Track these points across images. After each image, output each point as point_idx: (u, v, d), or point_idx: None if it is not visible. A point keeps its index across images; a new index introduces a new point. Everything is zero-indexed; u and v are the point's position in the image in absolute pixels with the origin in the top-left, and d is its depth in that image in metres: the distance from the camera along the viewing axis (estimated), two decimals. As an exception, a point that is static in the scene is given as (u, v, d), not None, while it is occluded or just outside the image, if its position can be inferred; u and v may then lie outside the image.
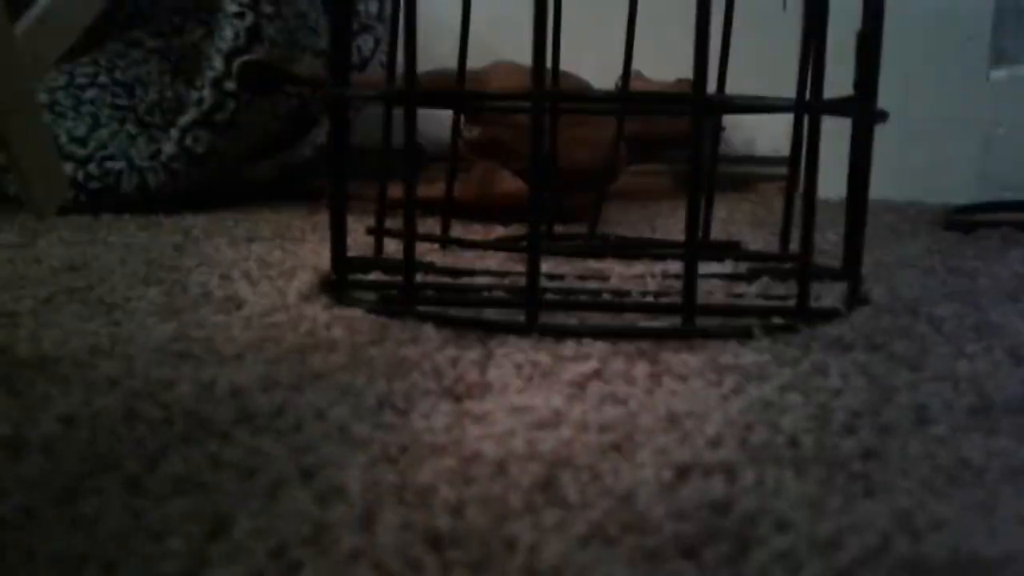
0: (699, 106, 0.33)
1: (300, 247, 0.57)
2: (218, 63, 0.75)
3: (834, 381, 0.29)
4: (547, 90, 0.33)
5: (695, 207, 0.33)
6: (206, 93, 0.75)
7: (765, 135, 1.14)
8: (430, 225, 0.60)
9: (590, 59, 0.74)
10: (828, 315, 0.38)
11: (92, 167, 0.73)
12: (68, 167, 0.73)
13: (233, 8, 0.75)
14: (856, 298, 0.41)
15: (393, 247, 0.55)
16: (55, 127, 0.75)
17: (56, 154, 0.27)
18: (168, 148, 0.75)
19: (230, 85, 0.75)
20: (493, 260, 0.54)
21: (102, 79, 0.79)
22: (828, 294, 0.43)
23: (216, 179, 0.80)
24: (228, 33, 0.75)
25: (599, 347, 0.33)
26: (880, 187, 0.43)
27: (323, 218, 0.73)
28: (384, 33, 0.94)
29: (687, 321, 0.35)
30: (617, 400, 0.27)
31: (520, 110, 0.68)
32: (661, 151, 1.00)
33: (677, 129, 0.96)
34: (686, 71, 1.04)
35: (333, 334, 0.35)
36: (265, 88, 0.76)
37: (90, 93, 0.78)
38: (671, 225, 0.75)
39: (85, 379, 0.28)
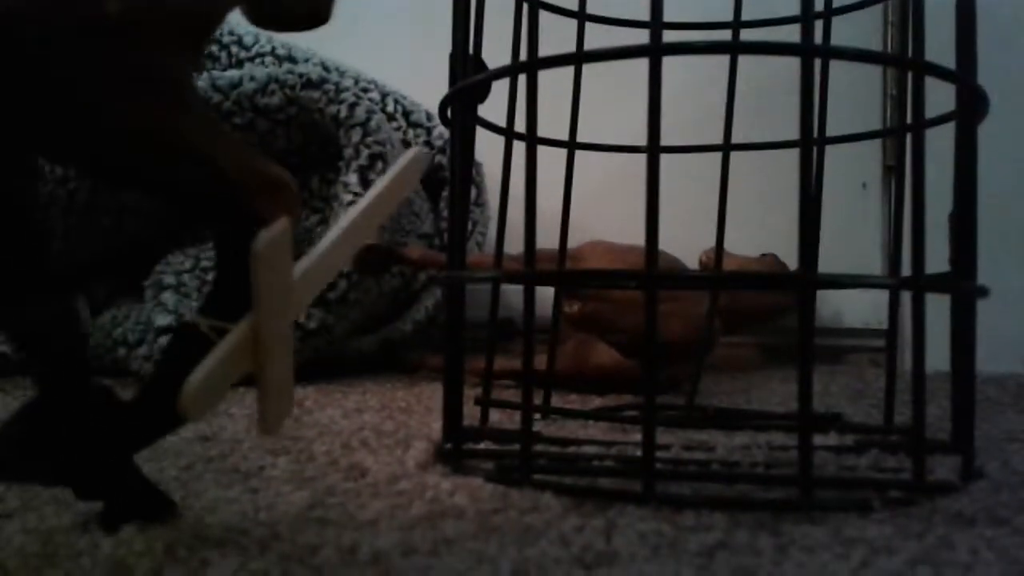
0: (808, 283, 0.35)
1: (409, 417, 0.59)
2: (332, 246, 0.81)
3: (963, 555, 0.29)
4: (658, 272, 0.35)
5: (807, 379, 0.35)
6: (320, 274, 0.81)
7: (852, 307, 1.14)
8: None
9: (668, 230, 0.78)
10: (945, 488, 0.38)
11: (212, 342, 0.78)
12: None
13: (348, 198, 0.82)
14: (971, 471, 0.41)
15: (496, 417, 0.57)
16: (180, 307, 0.81)
17: (292, 381, 0.30)
18: (283, 325, 0.80)
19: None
20: (595, 430, 0.55)
21: (224, 262, 0.86)
22: (940, 467, 0.43)
23: (324, 353, 0.84)
24: (342, 220, 0.82)
25: (718, 517, 0.34)
26: (979, 359, 0.44)
27: (424, 389, 0.76)
28: (480, 216, 1.00)
29: (805, 493, 0.35)
30: (747, 572, 0.28)
31: (617, 286, 0.72)
32: (747, 324, 1.02)
33: (763, 303, 0.98)
34: (765, 244, 1.07)
35: (457, 501, 0.36)
36: (380, 269, 0.82)
37: (213, 276, 0.84)
38: (765, 397, 0.75)
39: (238, 544, 0.30)
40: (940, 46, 0.44)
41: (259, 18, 0.31)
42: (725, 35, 0.60)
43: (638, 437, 0.45)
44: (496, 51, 0.50)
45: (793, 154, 0.38)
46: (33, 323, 0.31)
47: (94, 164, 0.30)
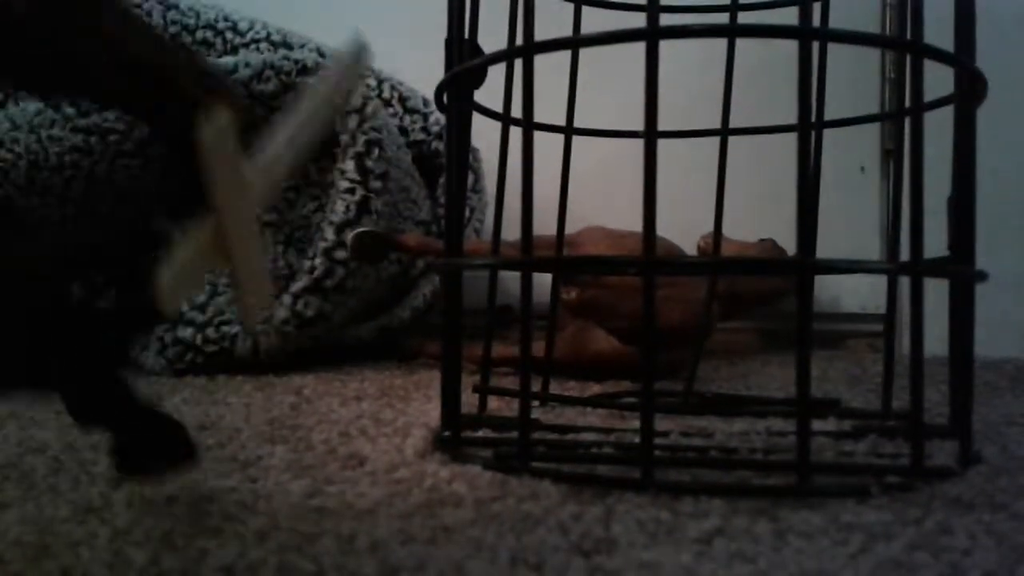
0: (806, 268, 0.35)
1: (407, 405, 0.59)
2: (329, 234, 0.81)
3: (961, 540, 0.29)
4: (656, 258, 0.35)
5: (805, 364, 0.35)
6: (318, 262, 0.80)
7: (850, 292, 1.14)
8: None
9: (665, 215, 0.77)
10: (943, 473, 0.38)
11: (210, 331, 0.78)
12: (188, 332, 0.78)
13: (344, 184, 0.82)
14: (969, 456, 0.41)
15: (494, 404, 0.57)
16: (178, 294, 0.81)
17: (266, 273, 0.31)
18: (280, 313, 0.80)
19: (340, 254, 0.80)
20: (594, 417, 0.55)
21: (221, 250, 0.86)
22: (939, 452, 0.43)
23: (322, 341, 0.84)
24: (339, 207, 0.82)
25: (717, 504, 0.34)
26: (977, 343, 0.43)
27: (422, 377, 0.76)
28: (477, 203, 1.00)
29: (803, 479, 0.35)
30: (746, 558, 0.28)
31: (616, 273, 0.72)
32: (746, 309, 1.02)
33: (761, 287, 0.98)
34: (763, 229, 1.07)
35: (456, 489, 0.36)
36: (377, 257, 0.82)
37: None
38: (764, 382, 0.75)
39: (236, 533, 0.30)
40: (939, 29, 0.43)
41: None
42: (722, 18, 0.60)
43: (636, 424, 0.45)
44: (492, 36, 0.50)
45: (791, 138, 0.38)
46: None
47: (23, 70, 0.30)
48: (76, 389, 0.31)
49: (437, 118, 1.00)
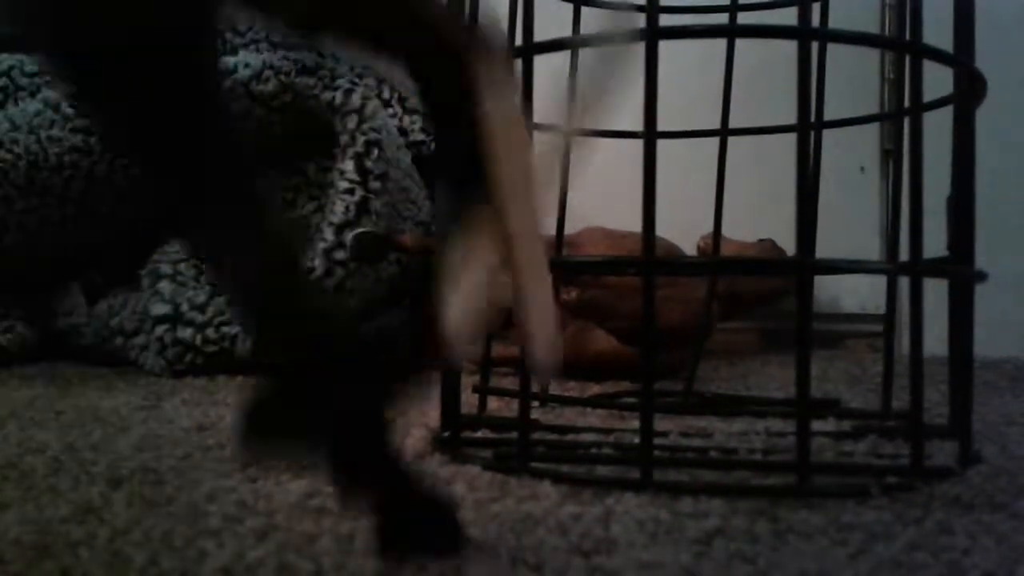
0: (805, 269, 0.35)
1: (406, 405, 0.59)
2: (329, 234, 0.81)
3: (961, 540, 0.29)
4: (655, 259, 0.35)
5: (805, 365, 0.35)
6: (317, 262, 0.80)
7: (849, 292, 1.14)
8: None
9: (665, 216, 0.77)
10: (943, 473, 0.38)
11: (210, 331, 0.78)
12: (188, 332, 0.78)
13: (344, 185, 0.82)
14: (968, 456, 0.41)
15: (494, 404, 0.57)
16: (178, 296, 0.81)
17: (550, 290, 0.27)
18: (280, 313, 0.80)
19: (339, 254, 0.80)
20: (593, 417, 0.55)
21: (221, 250, 0.86)
22: (938, 452, 0.43)
23: (321, 341, 0.84)
24: (339, 207, 0.82)
25: (716, 504, 0.34)
26: (976, 343, 0.43)
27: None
28: (477, 203, 0.99)
29: (803, 479, 0.35)
30: (745, 558, 0.28)
31: (615, 273, 0.72)
32: (745, 309, 1.02)
33: (761, 288, 0.98)
34: (763, 229, 1.06)
35: (456, 490, 0.36)
36: (377, 257, 0.82)
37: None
38: (763, 382, 0.76)
39: (236, 533, 0.30)
40: (938, 29, 0.43)
41: None
42: (722, 19, 0.60)
43: (636, 424, 0.45)
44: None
45: (791, 138, 0.38)
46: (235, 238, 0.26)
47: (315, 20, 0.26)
48: (351, 457, 0.27)
49: (437, 118, 1.00)
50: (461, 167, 0.26)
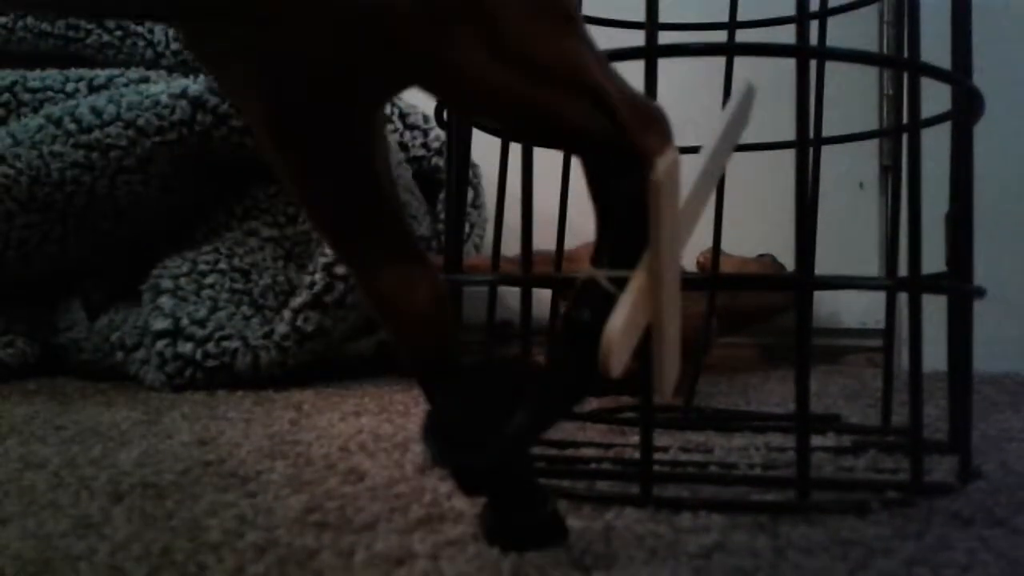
0: (804, 285, 0.35)
1: (407, 420, 0.59)
2: (330, 249, 0.81)
3: (960, 556, 0.29)
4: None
5: (805, 380, 0.35)
6: (318, 277, 0.81)
7: (849, 308, 1.15)
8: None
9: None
10: (943, 489, 0.38)
11: (210, 346, 0.78)
12: (188, 347, 0.78)
13: (344, 200, 0.82)
14: (968, 472, 0.41)
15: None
16: (178, 311, 0.81)
17: (680, 333, 0.27)
18: (281, 328, 0.80)
19: (340, 269, 0.80)
20: (593, 432, 0.55)
21: (222, 265, 0.86)
22: (938, 468, 0.43)
23: (322, 356, 0.84)
24: (339, 222, 0.82)
25: (716, 519, 0.34)
26: (976, 358, 0.44)
27: (422, 392, 0.76)
28: (477, 219, 1.00)
29: (802, 494, 0.35)
30: (745, 573, 0.28)
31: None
32: (745, 325, 1.02)
33: (761, 303, 0.98)
34: (762, 245, 1.07)
35: (455, 504, 0.36)
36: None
37: (210, 279, 0.84)
38: (763, 397, 0.76)
39: (235, 548, 0.30)
40: (936, 45, 0.44)
41: None
42: (721, 36, 0.60)
43: (636, 439, 0.45)
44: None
45: (790, 154, 0.38)
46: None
47: (486, 100, 0.25)
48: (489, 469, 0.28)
49: (437, 134, 1.01)
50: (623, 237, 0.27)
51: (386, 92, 0.27)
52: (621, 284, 0.26)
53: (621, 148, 0.27)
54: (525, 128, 0.27)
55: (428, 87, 0.25)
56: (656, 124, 0.28)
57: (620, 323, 0.25)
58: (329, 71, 0.24)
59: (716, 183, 0.31)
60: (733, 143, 0.32)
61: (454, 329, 0.29)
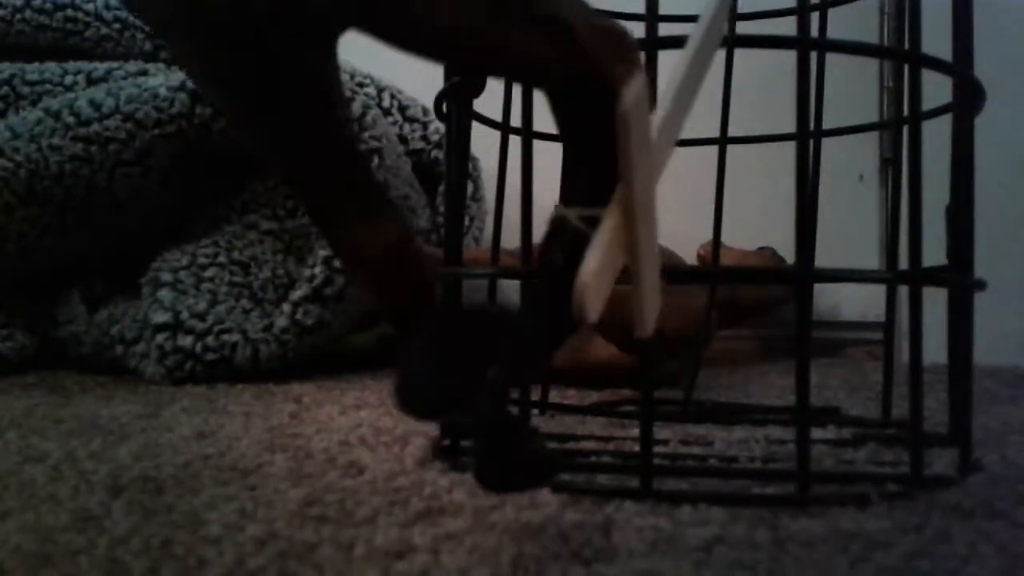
0: (804, 277, 0.35)
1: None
2: (329, 242, 0.81)
3: (961, 548, 0.29)
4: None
5: (805, 373, 0.35)
6: (317, 270, 0.81)
7: (849, 300, 1.15)
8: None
9: (665, 224, 0.78)
10: (943, 482, 0.38)
11: (210, 340, 0.78)
12: (188, 340, 0.78)
13: (344, 193, 0.82)
14: (968, 465, 0.41)
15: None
16: (178, 304, 0.81)
17: (660, 265, 0.26)
18: (280, 321, 0.80)
19: (339, 263, 0.80)
20: (593, 425, 0.55)
21: (221, 259, 0.86)
22: (938, 460, 0.43)
23: (322, 350, 0.84)
24: (338, 215, 0.82)
25: (716, 512, 0.34)
26: (976, 351, 0.44)
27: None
28: (477, 212, 1.00)
29: (803, 488, 0.35)
30: (745, 566, 0.28)
31: (616, 282, 0.72)
32: (745, 317, 1.02)
33: (761, 296, 0.98)
34: (763, 238, 1.07)
35: (455, 498, 0.36)
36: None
37: (210, 272, 0.84)
38: (763, 390, 0.76)
39: (235, 541, 0.30)
40: (937, 37, 0.43)
41: None
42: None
43: (636, 432, 0.45)
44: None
45: (790, 147, 0.38)
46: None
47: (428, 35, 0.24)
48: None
49: (437, 127, 1.00)
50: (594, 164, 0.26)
51: (329, 33, 0.25)
52: (593, 223, 0.25)
53: (585, 77, 0.25)
54: (481, 65, 0.26)
55: (373, 29, 0.24)
56: (622, 49, 0.26)
57: (594, 264, 0.24)
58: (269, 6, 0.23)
59: (693, 101, 0.29)
60: (710, 55, 0.30)
61: (427, 275, 0.28)
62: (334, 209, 0.27)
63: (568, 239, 0.26)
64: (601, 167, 0.26)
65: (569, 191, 0.27)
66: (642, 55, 0.26)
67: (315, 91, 0.25)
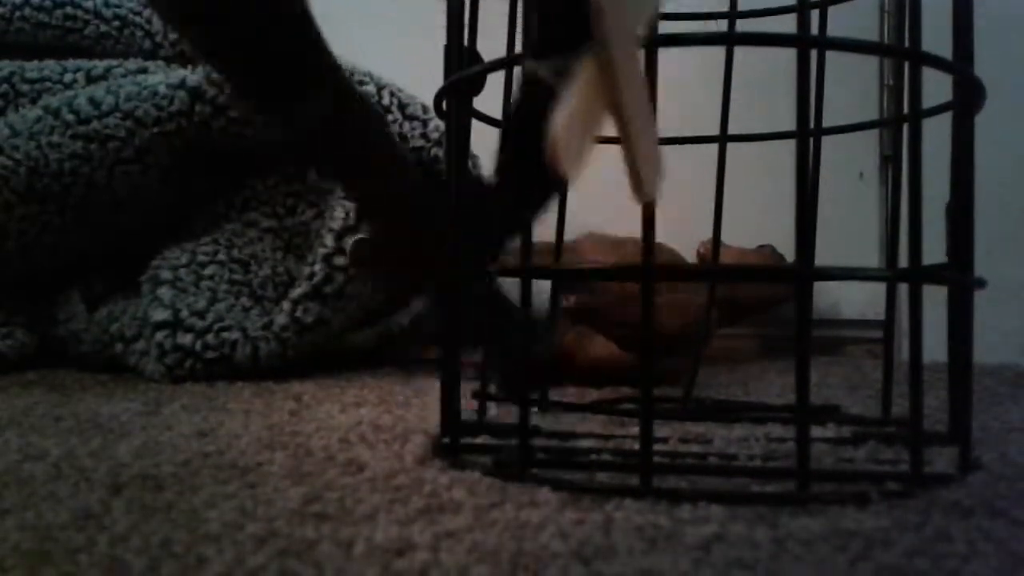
0: (804, 275, 0.35)
1: (407, 411, 0.59)
2: (329, 240, 0.81)
3: (960, 547, 0.29)
4: (656, 265, 0.35)
5: (805, 371, 0.35)
6: (317, 268, 0.81)
7: (849, 298, 1.15)
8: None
9: (665, 222, 0.78)
10: (943, 480, 0.38)
11: (210, 337, 0.78)
12: (188, 338, 0.78)
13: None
14: (968, 463, 0.41)
15: (493, 410, 0.57)
16: (178, 302, 0.81)
17: (655, 120, 0.25)
18: (280, 319, 0.80)
19: (339, 260, 0.80)
20: (593, 423, 0.55)
21: (220, 257, 0.86)
22: (938, 459, 0.43)
23: (322, 348, 0.84)
24: (339, 213, 0.82)
25: (716, 510, 0.34)
26: (976, 350, 0.44)
27: (422, 383, 0.76)
28: (477, 209, 1.00)
29: (802, 486, 0.35)
30: (745, 565, 0.28)
31: (614, 280, 0.72)
32: (745, 316, 1.02)
33: (761, 294, 0.98)
34: (762, 236, 1.07)
35: (455, 495, 0.36)
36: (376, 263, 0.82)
37: (209, 270, 0.84)
38: (763, 388, 0.76)
39: (235, 539, 0.30)
40: (937, 35, 0.43)
41: None
42: (721, 26, 0.60)
43: (636, 430, 0.45)
44: (491, 43, 0.50)
45: (790, 145, 0.38)
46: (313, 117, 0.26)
47: None
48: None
49: (436, 125, 1.00)
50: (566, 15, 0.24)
51: None
52: (566, 73, 0.24)
53: None
54: None
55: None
56: None
57: (566, 114, 0.22)
58: None
59: None
60: None
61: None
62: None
63: (539, 93, 0.24)
64: (570, 12, 0.24)
65: (540, 41, 0.25)
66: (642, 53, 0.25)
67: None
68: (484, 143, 0.64)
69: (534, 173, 0.24)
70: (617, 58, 0.23)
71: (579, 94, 0.23)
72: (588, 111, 0.23)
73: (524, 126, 0.25)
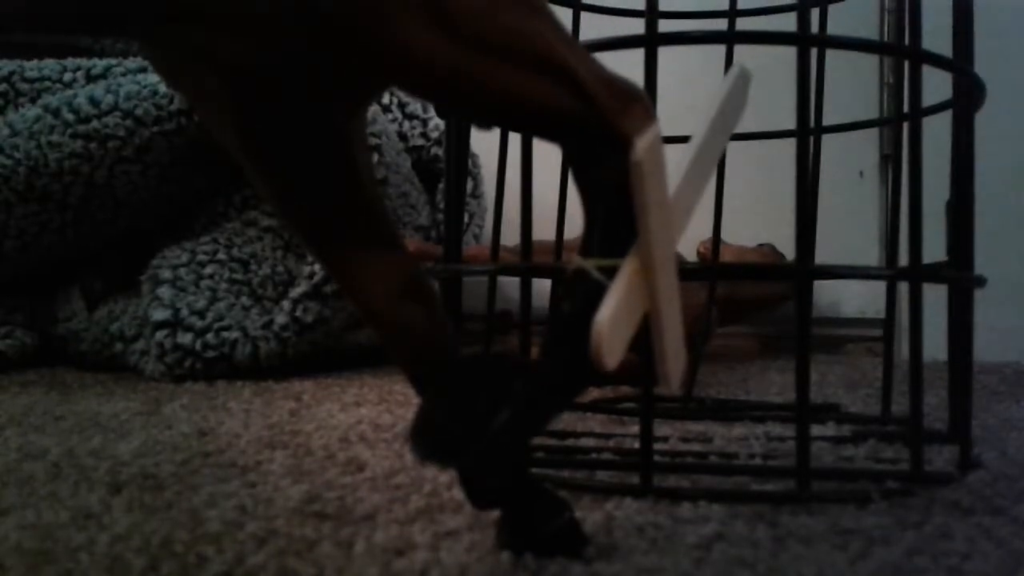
0: (804, 274, 0.35)
1: (407, 411, 0.59)
2: (328, 239, 0.81)
3: (961, 545, 0.29)
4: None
5: (805, 369, 0.35)
6: (317, 267, 0.80)
7: (849, 297, 1.15)
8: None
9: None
10: (943, 478, 0.38)
11: (210, 337, 0.78)
12: (188, 337, 0.78)
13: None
14: (968, 461, 0.41)
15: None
16: (177, 301, 0.81)
17: (682, 321, 0.26)
18: (280, 318, 0.80)
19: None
20: (593, 422, 0.55)
21: (220, 256, 0.86)
22: (938, 457, 0.43)
23: (322, 347, 0.84)
24: (338, 212, 0.82)
25: (716, 510, 0.34)
26: (976, 348, 0.44)
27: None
28: (476, 208, 1.00)
29: (802, 484, 0.35)
30: (745, 564, 0.28)
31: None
32: (745, 314, 1.02)
33: (761, 293, 0.98)
34: (762, 234, 1.07)
35: (455, 495, 0.36)
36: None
37: (209, 269, 0.84)
38: (763, 387, 0.76)
39: (235, 538, 0.30)
40: (937, 34, 0.43)
41: None
42: (721, 24, 0.60)
43: (636, 429, 0.45)
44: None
45: (790, 143, 0.38)
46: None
47: (443, 85, 0.24)
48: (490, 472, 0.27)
49: (436, 123, 1.00)
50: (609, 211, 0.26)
51: (350, 91, 0.26)
52: (612, 274, 0.25)
53: (598, 131, 0.25)
54: (494, 115, 0.26)
55: (387, 75, 0.24)
56: (634, 103, 0.26)
57: (610, 313, 0.24)
58: (288, 71, 0.23)
59: (713, 170, 0.30)
60: (729, 128, 0.31)
61: (442, 323, 0.29)
62: (346, 258, 0.27)
63: (586, 289, 0.26)
64: (618, 219, 0.26)
65: (588, 242, 0.27)
66: (646, 101, 0.26)
67: (341, 148, 0.26)
68: (484, 142, 0.64)
69: (576, 365, 0.25)
70: (657, 259, 0.25)
71: (621, 292, 0.25)
72: (630, 308, 0.25)
73: (570, 320, 0.26)
